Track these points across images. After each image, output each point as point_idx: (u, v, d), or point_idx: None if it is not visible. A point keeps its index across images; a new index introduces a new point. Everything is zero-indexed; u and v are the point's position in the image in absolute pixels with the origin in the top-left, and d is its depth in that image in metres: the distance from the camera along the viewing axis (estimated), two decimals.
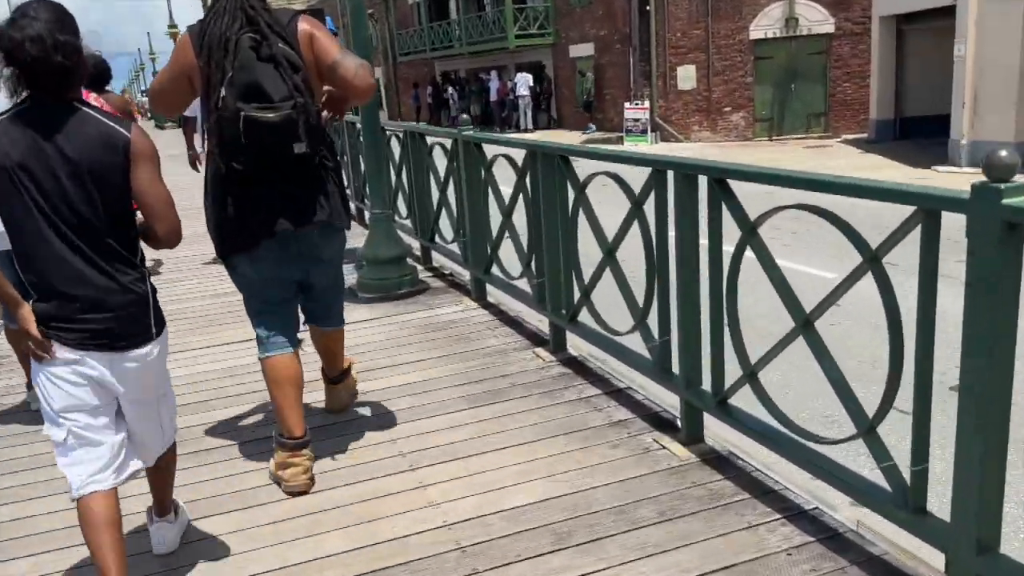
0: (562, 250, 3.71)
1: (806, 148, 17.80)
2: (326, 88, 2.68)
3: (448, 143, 5.12)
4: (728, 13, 19.93)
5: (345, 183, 3.16)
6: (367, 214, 6.22)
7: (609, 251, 3.31)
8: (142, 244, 2.11)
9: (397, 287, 5.22)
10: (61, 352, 1.97)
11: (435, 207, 5.65)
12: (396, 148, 6.37)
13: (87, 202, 1.92)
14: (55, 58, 1.84)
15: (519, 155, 4.07)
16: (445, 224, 5.61)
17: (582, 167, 3.56)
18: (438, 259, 6.12)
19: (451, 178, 5.17)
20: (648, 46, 20.25)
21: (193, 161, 6.83)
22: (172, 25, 36.29)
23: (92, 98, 4.71)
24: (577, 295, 3.68)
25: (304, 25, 2.57)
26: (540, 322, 4.30)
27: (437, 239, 5.81)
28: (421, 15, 31.59)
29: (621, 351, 3.40)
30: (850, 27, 19.73)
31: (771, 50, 20.08)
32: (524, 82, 24.93)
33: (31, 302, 1.97)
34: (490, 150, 4.70)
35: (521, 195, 4.10)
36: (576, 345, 3.94)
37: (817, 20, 19.76)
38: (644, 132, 20.08)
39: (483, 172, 4.60)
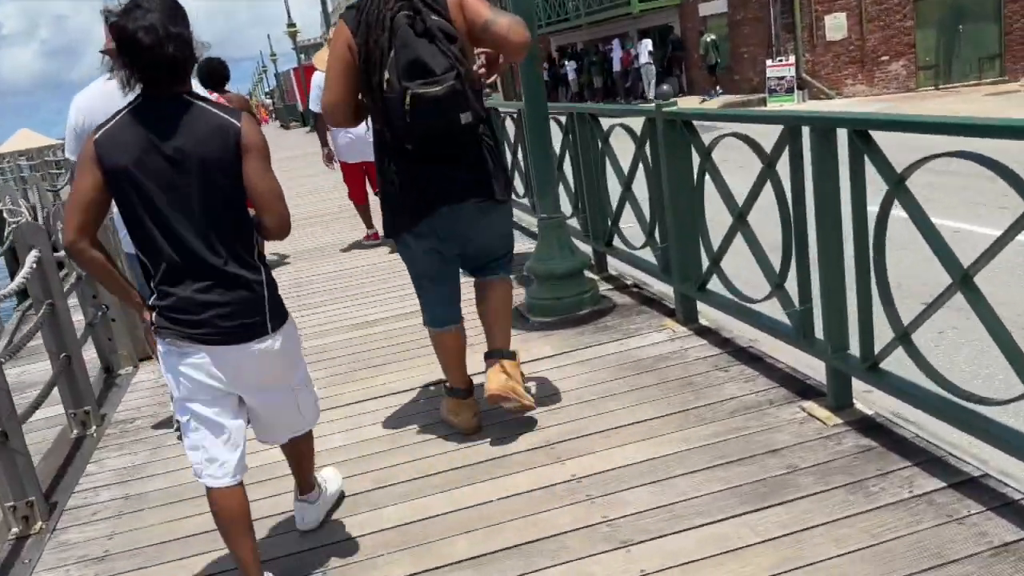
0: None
1: (987, 96, 15.76)
2: (479, 51, 2.73)
3: (638, 124, 4.09)
4: None
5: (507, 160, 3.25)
6: (529, 218, 5.66)
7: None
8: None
9: (576, 306, 4.26)
10: (178, 345, 2.05)
11: (615, 205, 4.68)
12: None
13: (203, 196, 1.97)
14: (167, 49, 1.89)
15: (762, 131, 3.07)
16: (628, 225, 4.64)
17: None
18: (615, 265, 5.05)
19: (638, 168, 4.24)
20: None
21: (328, 158, 6.89)
22: (291, 24, 36.92)
23: (214, 98, 4.36)
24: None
25: None
26: (798, 358, 3.23)
27: (616, 242, 4.78)
28: None
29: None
30: None
31: None
32: (645, 48, 23.82)
33: (151, 299, 2.07)
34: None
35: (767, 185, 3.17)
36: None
37: None
38: (790, 90, 18.65)
39: (698, 159, 3.60)
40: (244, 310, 2.05)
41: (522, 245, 4.69)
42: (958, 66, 18.49)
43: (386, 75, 2.50)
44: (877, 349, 2.63)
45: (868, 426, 2.71)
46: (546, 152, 4.36)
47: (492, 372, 2.91)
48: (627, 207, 4.52)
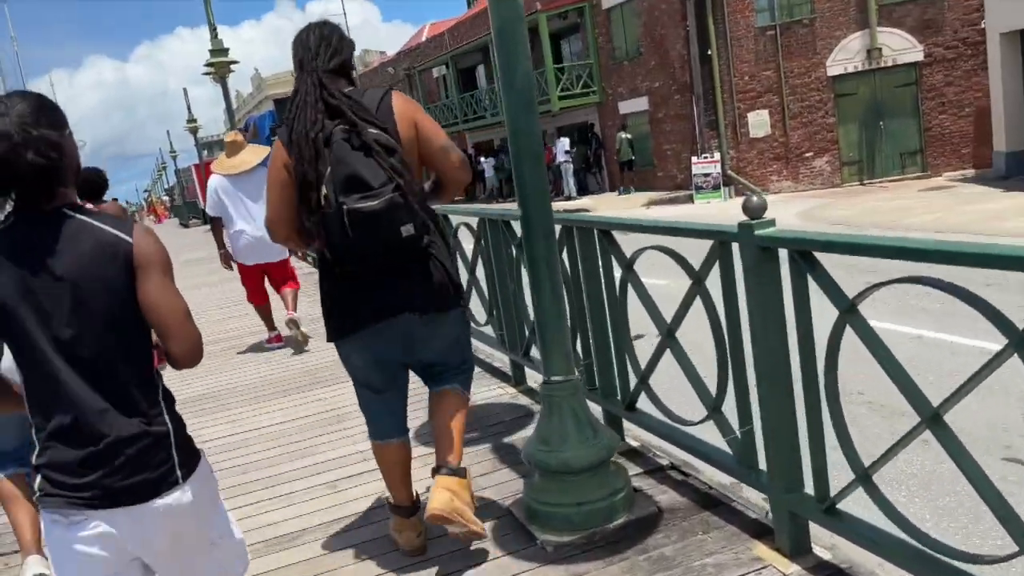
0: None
1: (921, 192, 16.24)
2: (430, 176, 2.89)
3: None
4: (800, 50, 19.18)
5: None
6: (528, 379, 4.92)
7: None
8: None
9: (607, 517, 2.97)
10: (65, 513, 1.81)
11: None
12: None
13: (89, 327, 1.79)
14: (25, 156, 1.71)
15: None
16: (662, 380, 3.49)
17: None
18: (634, 431, 3.77)
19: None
20: (712, 93, 19.92)
21: (226, 260, 7.05)
22: (191, 119, 36.36)
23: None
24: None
25: (400, 103, 2.71)
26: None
27: (641, 403, 3.55)
28: (448, 87, 31.20)
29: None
30: (942, 53, 18.86)
31: (853, 86, 19.51)
32: (562, 147, 24.57)
33: (34, 454, 1.85)
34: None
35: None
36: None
37: (903, 48, 18.95)
38: (716, 187, 18.93)
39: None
40: (144, 462, 1.83)
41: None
42: (881, 161, 19.43)
43: (324, 191, 2.53)
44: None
45: None
46: (555, 289, 3.00)
47: (436, 490, 2.77)
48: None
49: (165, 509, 1.85)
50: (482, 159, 29.39)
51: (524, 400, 4.55)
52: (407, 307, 2.73)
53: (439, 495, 2.72)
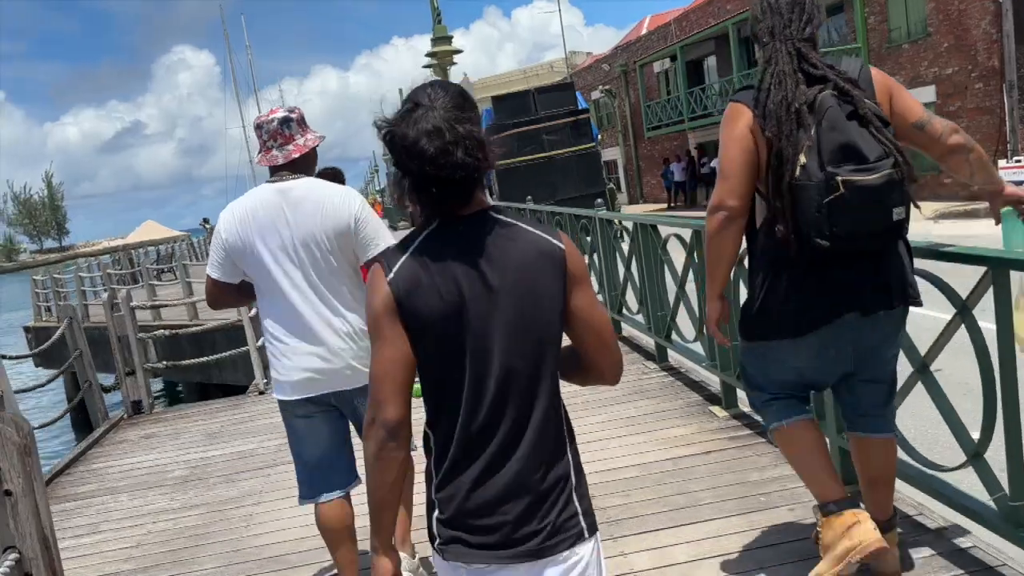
0: None
1: None
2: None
3: None
4: None
5: None
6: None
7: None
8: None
9: None
10: (470, 565, 1.71)
11: None
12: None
13: (522, 339, 1.72)
14: (456, 154, 1.64)
15: None
16: None
17: None
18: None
19: None
20: None
21: None
22: None
23: None
24: None
25: (878, 75, 2.68)
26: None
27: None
28: (672, 81, 30.76)
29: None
30: None
31: None
32: None
33: (432, 485, 1.77)
34: None
35: None
36: None
37: None
38: None
39: None
40: (552, 507, 1.74)
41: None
42: None
43: (801, 160, 2.47)
44: None
45: None
46: None
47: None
48: None
49: (569, 566, 1.75)
50: (707, 161, 28.92)
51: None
52: (881, 302, 2.62)
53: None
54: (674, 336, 6.19)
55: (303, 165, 3.09)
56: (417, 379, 1.84)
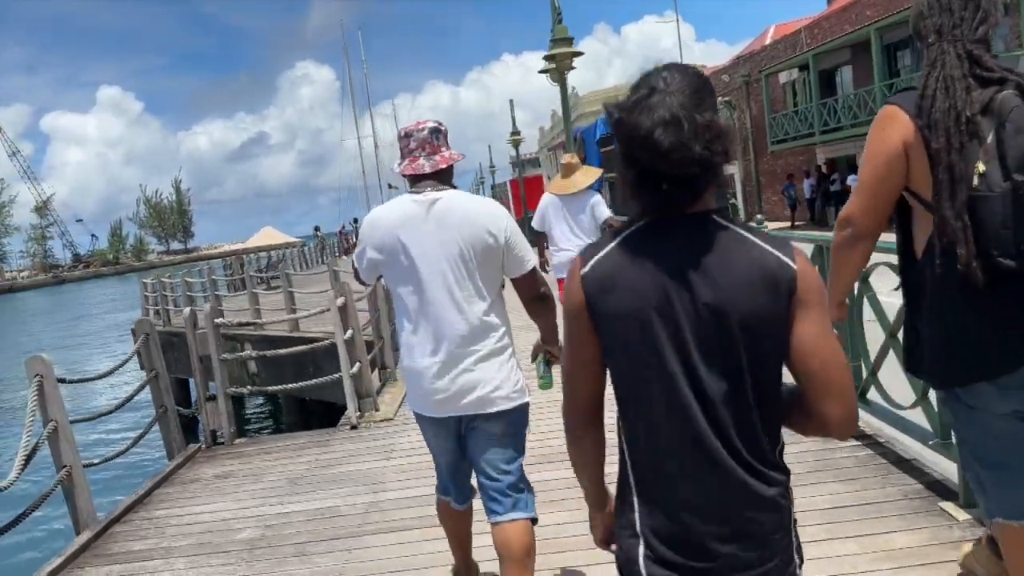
0: None
1: None
2: None
3: None
4: None
5: None
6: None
7: None
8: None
9: None
10: None
11: None
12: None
13: (729, 364, 1.56)
14: (694, 149, 1.50)
15: None
16: None
17: None
18: None
19: None
20: None
21: (541, 268, 7.41)
22: (515, 132, 37.94)
23: None
24: None
25: None
26: None
27: None
28: (800, 92, 29.04)
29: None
30: None
31: None
32: None
33: (635, 514, 1.65)
34: None
35: None
36: None
37: None
38: None
39: None
40: (773, 543, 1.60)
41: None
42: None
43: (979, 168, 2.21)
44: None
45: None
46: None
47: None
48: None
49: None
50: (838, 177, 26.89)
51: None
52: None
53: None
54: (872, 395, 4.66)
55: (447, 177, 3.06)
56: (544, 373, 2.41)
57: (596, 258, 1.61)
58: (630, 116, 1.52)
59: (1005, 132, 2.20)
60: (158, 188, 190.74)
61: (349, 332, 7.20)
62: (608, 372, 1.67)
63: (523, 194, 35.25)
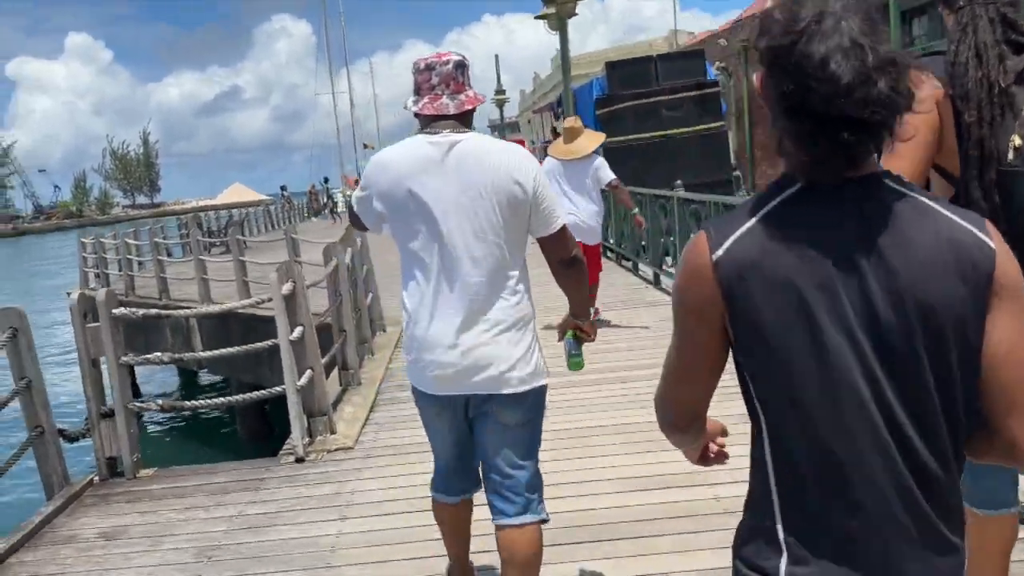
0: None
1: None
2: None
3: None
4: None
5: None
6: None
7: None
8: None
9: None
10: None
11: None
12: None
13: (912, 378, 1.25)
14: (877, 84, 1.19)
15: None
16: None
17: None
18: None
19: None
20: None
21: None
22: (500, 91, 36.22)
23: None
24: None
25: None
26: None
27: None
28: None
29: None
30: None
31: None
32: None
33: (782, 557, 1.32)
34: None
35: None
36: None
37: None
38: None
39: None
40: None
41: None
42: None
43: (1016, 141, 2.09)
44: None
45: None
46: None
47: None
48: None
49: None
50: None
51: None
52: None
53: None
54: None
55: (469, 121, 2.67)
56: (575, 351, 2.27)
57: (734, 237, 1.29)
58: (796, 45, 1.21)
59: None
60: (125, 140, 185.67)
61: (299, 330, 5.37)
62: (743, 373, 1.34)
63: None
